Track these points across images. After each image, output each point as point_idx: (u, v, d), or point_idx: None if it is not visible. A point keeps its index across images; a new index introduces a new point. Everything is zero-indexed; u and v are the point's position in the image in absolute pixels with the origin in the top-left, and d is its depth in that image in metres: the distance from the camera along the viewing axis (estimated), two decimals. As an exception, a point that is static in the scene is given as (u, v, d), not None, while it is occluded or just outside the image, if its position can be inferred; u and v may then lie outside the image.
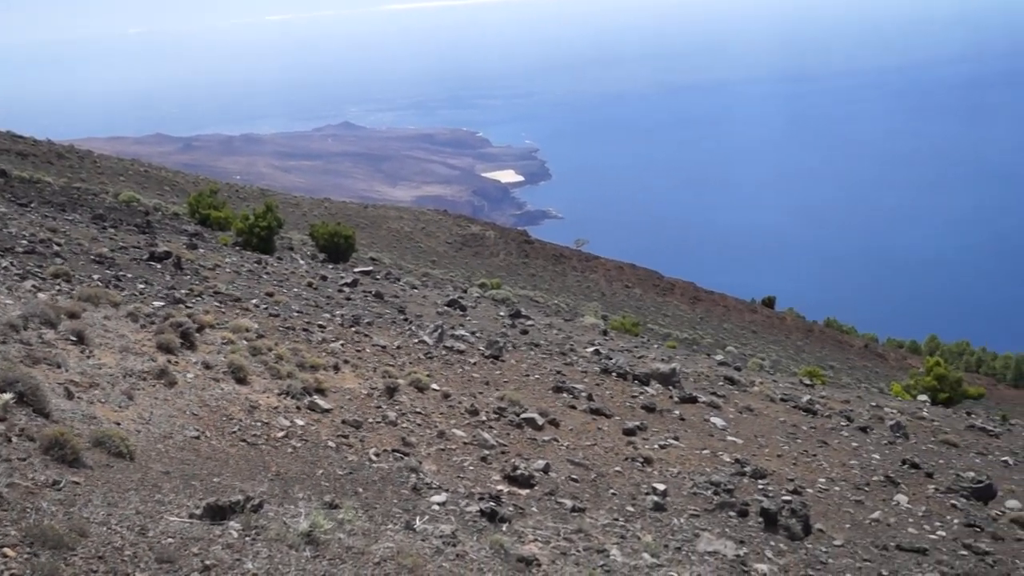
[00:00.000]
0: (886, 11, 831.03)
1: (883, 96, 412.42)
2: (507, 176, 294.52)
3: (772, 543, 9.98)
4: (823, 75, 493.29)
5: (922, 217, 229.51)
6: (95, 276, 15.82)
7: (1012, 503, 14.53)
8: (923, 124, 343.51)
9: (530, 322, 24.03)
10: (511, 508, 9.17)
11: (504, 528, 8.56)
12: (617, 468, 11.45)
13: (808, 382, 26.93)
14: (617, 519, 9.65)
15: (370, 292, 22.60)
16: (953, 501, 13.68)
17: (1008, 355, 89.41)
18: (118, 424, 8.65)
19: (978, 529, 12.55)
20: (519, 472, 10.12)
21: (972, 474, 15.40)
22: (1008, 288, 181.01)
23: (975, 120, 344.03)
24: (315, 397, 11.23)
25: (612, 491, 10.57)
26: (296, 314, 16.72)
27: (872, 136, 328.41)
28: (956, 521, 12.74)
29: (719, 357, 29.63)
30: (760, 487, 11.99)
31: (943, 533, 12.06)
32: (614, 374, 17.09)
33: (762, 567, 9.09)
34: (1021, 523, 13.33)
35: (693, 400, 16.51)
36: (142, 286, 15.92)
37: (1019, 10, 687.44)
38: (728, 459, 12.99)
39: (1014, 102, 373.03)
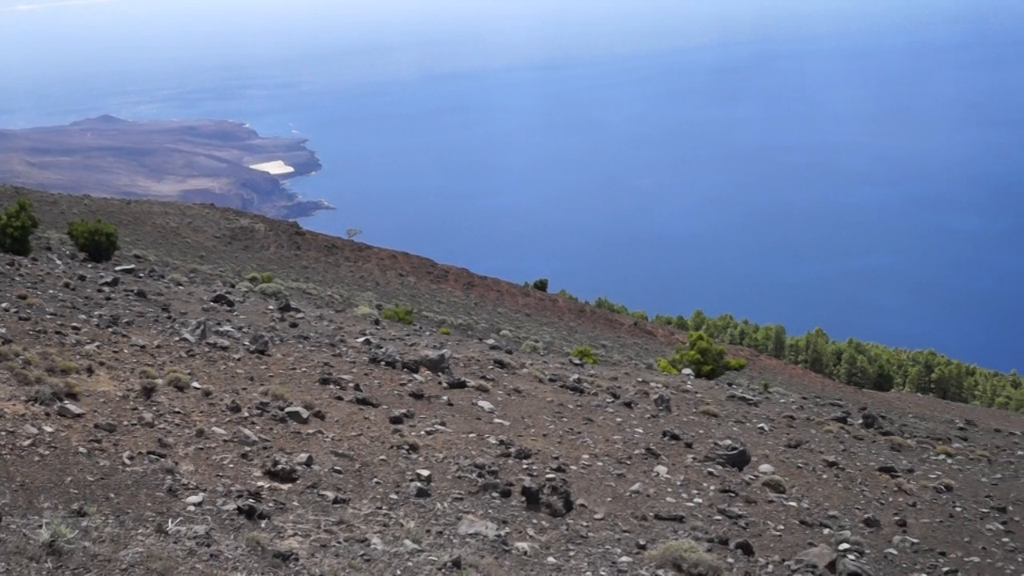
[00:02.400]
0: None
1: (638, 81, 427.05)
2: (276, 167, 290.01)
3: (534, 521, 10.18)
4: (580, 62, 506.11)
5: (679, 196, 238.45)
6: None
7: (765, 467, 15.28)
8: (676, 108, 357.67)
9: (300, 315, 23.72)
10: (271, 504, 9.03)
11: (263, 524, 8.42)
12: (382, 457, 11.43)
13: (578, 361, 27.54)
14: (380, 508, 9.63)
15: (132, 291, 21.80)
16: (710, 469, 14.27)
17: (768, 327, 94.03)
18: None
19: (732, 494, 13.14)
20: (280, 467, 9.97)
21: (729, 442, 16.11)
22: (765, 262, 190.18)
23: (724, 103, 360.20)
24: (66, 402, 10.74)
25: (376, 480, 10.54)
26: (49, 316, 15.95)
27: (629, 120, 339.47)
28: (712, 488, 13.29)
29: (491, 341, 30.00)
30: (524, 467, 12.21)
31: (700, 500, 12.56)
32: (383, 363, 17.05)
33: (523, 545, 9.25)
34: (772, 486, 14.03)
35: (462, 385, 16.64)
36: None
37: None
38: (494, 441, 13.16)
39: (760, 86, 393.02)
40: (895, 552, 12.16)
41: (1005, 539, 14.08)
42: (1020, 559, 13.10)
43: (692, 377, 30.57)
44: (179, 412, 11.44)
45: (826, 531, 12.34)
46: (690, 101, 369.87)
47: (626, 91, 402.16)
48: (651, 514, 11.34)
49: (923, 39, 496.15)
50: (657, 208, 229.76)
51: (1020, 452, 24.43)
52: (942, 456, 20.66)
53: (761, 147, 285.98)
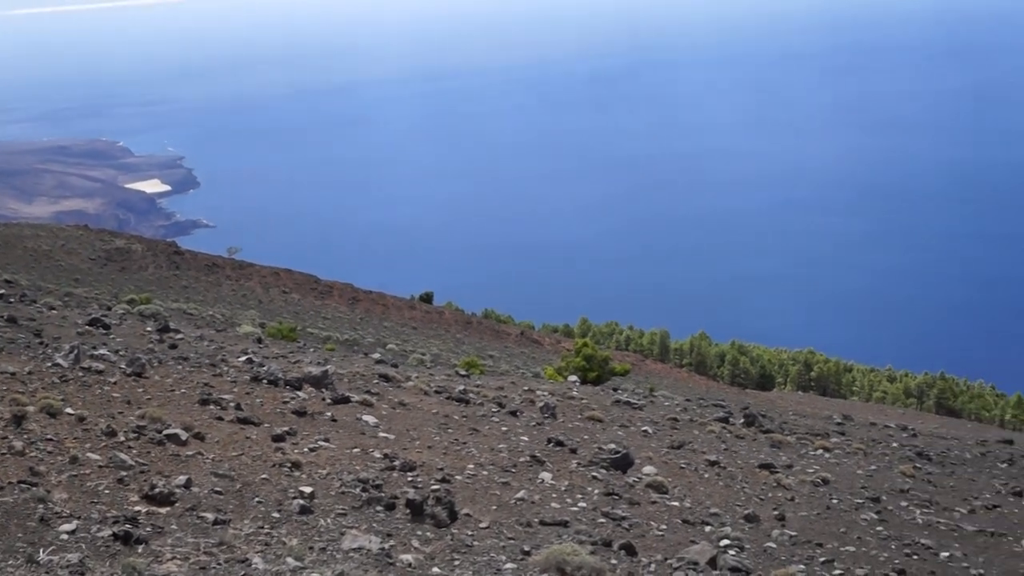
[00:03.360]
0: (514, 8, 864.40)
1: (515, 91, 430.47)
2: (152, 186, 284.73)
3: (419, 532, 10.16)
4: (456, 73, 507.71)
5: (561, 205, 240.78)
6: None
7: (648, 469, 15.50)
8: (554, 117, 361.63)
9: (180, 335, 23.29)
10: (148, 528, 8.84)
11: (139, 549, 8.25)
12: (264, 475, 11.29)
13: (464, 373, 27.58)
14: (262, 527, 9.51)
15: (2, 317, 21.17)
16: (594, 473, 14.42)
17: (653, 331, 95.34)
18: None
19: (616, 497, 13.30)
20: (158, 490, 9.78)
21: (613, 446, 16.30)
22: (647, 268, 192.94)
23: (601, 112, 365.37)
24: (-69, 434, 10.40)
25: (258, 499, 10.40)
26: (-89, 349, 15.44)
27: (508, 130, 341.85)
28: (596, 492, 13.43)
29: (376, 355, 29.94)
30: (409, 479, 12.18)
31: (584, 504, 12.69)
32: (265, 381, 16.84)
33: (407, 557, 9.24)
34: (655, 487, 14.24)
35: (346, 400, 16.52)
36: None
37: (640, 8, 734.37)
38: (379, 455, 13.10)
39: (635, 94, 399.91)
40: (774, 545, 12.46)
41: (879, 527, 14.54)
42: (893, 546, 13.54)
43: (578, 384, 30.89)
44: (51, 439, 11.13)
45: (708, 529, 12.58)
46: (568, 110, 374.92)
47: (504, 101, 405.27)
48: (536, 520, 11.41)
49: (790, 47, 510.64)
50: (540, 217, 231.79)
51: (895, 444, 25.21)
52: (820, 451, 21.21)
53: (639, 155, 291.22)
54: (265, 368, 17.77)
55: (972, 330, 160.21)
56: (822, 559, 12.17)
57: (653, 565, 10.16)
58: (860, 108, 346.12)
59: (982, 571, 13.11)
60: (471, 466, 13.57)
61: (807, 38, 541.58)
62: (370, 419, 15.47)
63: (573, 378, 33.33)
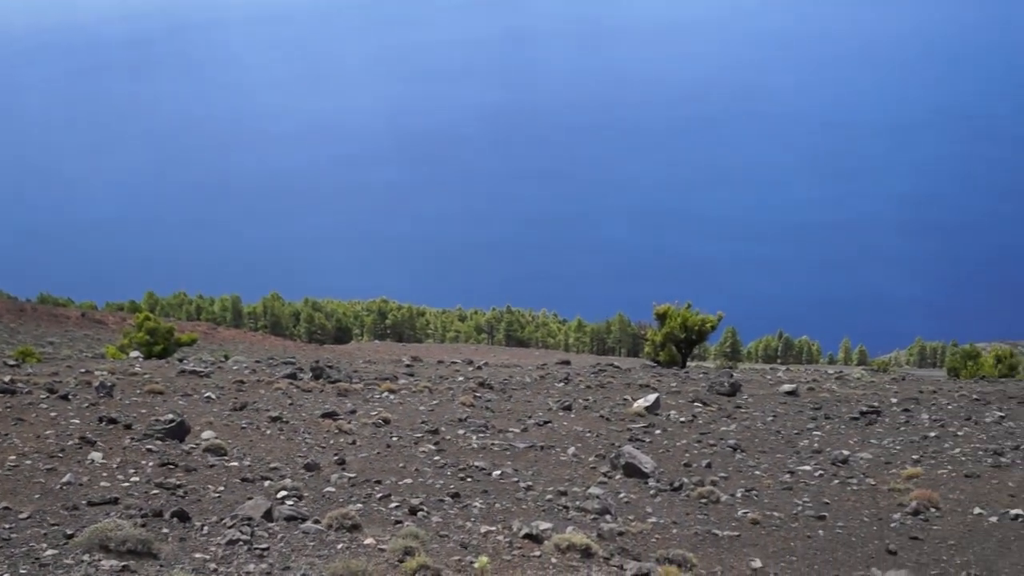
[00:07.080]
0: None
1: (44, 60, 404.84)
2: None
3: (-53, 537, 9.48)
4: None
5: (107, 178, 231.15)
6: None
7: (207, 434, 15.37)
8: (90, 86, 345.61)
9: None
10: None
11: None
12: None
13: (13, 363, 26.15)
14: None
15: None
16: (149, 446, 14.07)
17: (224, 298, 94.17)
18: None
19: (172, 466, 13.07)
20: None
21: (170, 416, 15.97)
22: (209, 234, 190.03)
23: (141, 77, 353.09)
24: None
25: None
26: None
27: (39, 102, 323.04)
28: (151, 464, 13.13)
29: (-91, 357, 27.71)
30: (-62, 482, 11.35)
31: (137, 479, 12.36)
32: None
33: (-70, 564, 8.63)
34: (213, 450, 14.15)
35: None
36: None
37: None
38: (-99, 462, 12.10)
39: (177, 57, 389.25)
40: (333, 489, 12.75)
41: (437, 457, 15.28)
42: (449, 472, 14.29)
43: (141, 359, 30.18)
44: None
45: (267, 483, 12.66)
46: (104, 77, 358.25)
47: (32, 71, 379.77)
48: (83, 502, 10.98)
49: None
50: (83, 192, 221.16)
51: (460, 378, 26.44)
52: (386, 393, 21.92)
53: (187, 119, 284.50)
54: None
55: (530, 264, 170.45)
56: (379, 495, 12.58)
57: (207, 528, 10.08)
58: (400, 59, 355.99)
59: (530, 483, 14.08)
60: (12, 457, 12.83)
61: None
62: None
63: (136, 354, 32.49)
